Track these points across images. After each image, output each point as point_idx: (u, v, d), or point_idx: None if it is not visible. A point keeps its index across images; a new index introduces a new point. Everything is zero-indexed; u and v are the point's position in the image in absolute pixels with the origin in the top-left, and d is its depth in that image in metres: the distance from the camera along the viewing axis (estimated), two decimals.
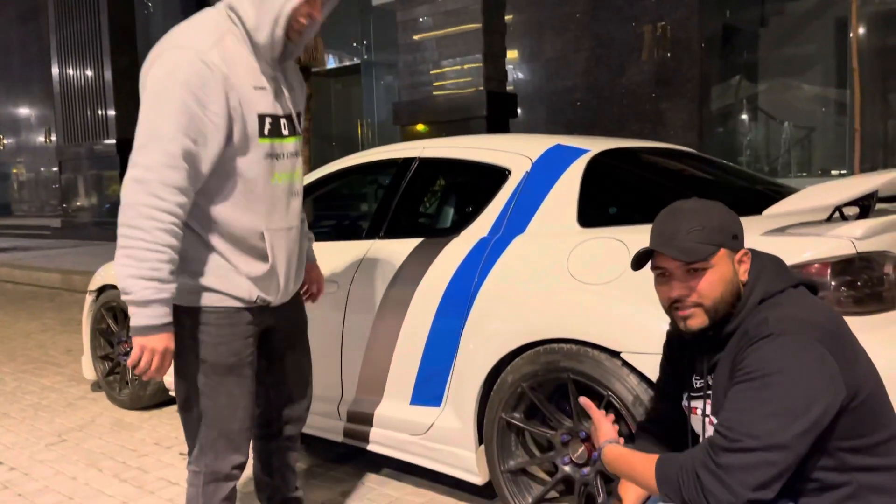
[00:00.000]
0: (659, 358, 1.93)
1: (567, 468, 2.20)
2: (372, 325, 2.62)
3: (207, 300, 1.82)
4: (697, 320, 1.47)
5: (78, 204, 13.30)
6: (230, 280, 1.82)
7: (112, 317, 3.79)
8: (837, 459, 1.39)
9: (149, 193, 1.64)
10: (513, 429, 2.29)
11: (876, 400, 1.40)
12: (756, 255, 1.53)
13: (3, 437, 3.40)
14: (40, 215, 16.91)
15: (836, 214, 1.97)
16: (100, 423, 3.58)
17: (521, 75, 9.03)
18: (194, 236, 1.79)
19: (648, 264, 1.55)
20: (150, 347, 1.68)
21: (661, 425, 1.76)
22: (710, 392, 1.54)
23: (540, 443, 2.39)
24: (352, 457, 3.05)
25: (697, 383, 1.58)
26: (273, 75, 1.82)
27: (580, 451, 2.18)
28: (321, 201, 3.67)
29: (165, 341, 1.70)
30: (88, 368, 3.94)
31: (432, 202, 3.62)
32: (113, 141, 12.51)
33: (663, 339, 1.80)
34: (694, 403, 1.60)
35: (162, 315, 1.68)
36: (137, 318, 1.67)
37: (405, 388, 2.56)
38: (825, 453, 1.38)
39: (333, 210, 4.92)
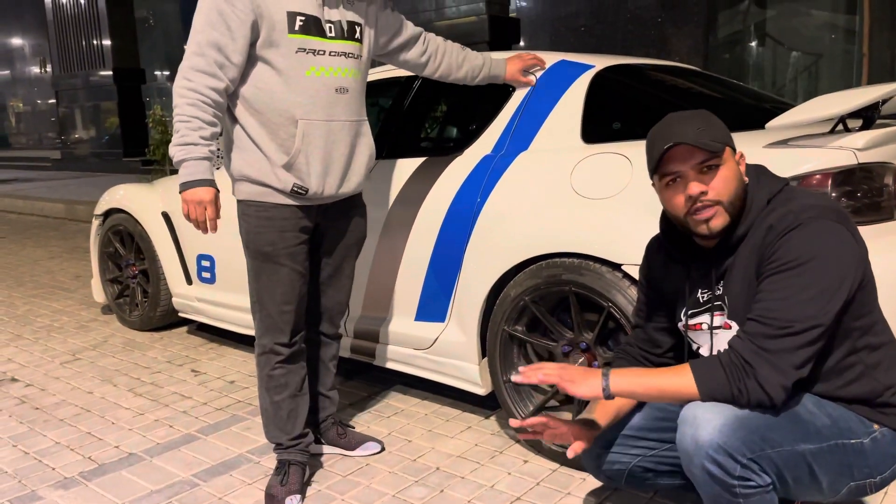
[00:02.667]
0: None
1: None
2: (377, 244, 2.67)
3: (250, 193, 2.05)
4: (720, 219, 1.49)
5: (76, 136, 13.20)
6: (263, 170, 2.01)
7: (119, 240, 3.84)
8: (851, 340, 1.47)
9: (181, 78, 1.94)
10: (515, 341, 2.36)
11: (873, 281, 1.50)
12: (747, 164, 1.57)
13: (18, 357, 3.49)
14: (39, 147, 16.80)
15: (840, 126, 1.98)
16: (112, 343, 3.67)
17: (523, 1, 8.82)
18: (240, 129, 2.03)
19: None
20: (188, 200, 1.93)
21: (645, 351, 1.79)
22: (718, 304, 1.57)
23: (541, 354, 2.46)
24: (359, 372, 3.14)
25: (704, 297, 1.60)
26: None
27: (580, 361, 2.25)
28: None
29: (201, 194, 1.92)
30: (98, 292, 4.01)
31: (436, 120, 3.62)
32: (109, 72, 12.32)
33: None
34: (695, 320, 1.62)
35: (195, 172, 1.92)
36: (179, 178, 1.94)
37: (410, 305, 2.62)
38: (841, 334, 1.46)
39: None
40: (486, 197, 2.39)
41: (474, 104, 3.34)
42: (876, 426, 1.48)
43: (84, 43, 12.67)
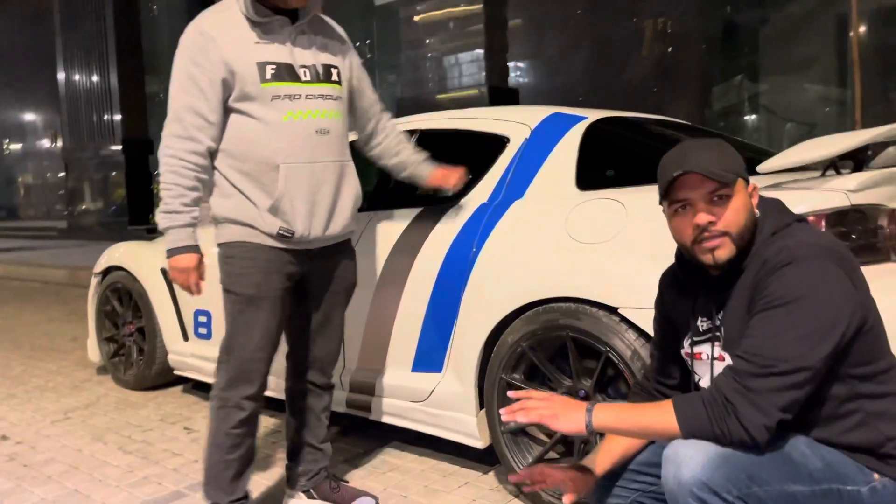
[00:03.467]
0: None
1: None
2: (373, 295, 2.65)
3: (234, 234, 2.04)
4: (725, 250, 1.46)
5: (84, 206, 13.37)
6: (251, 214, 2.02)
7: (117, 298, 3.83)
8: (849, 387, 1.42)
9: (163, 146, 2.00)
10: (513, 390, 2.31)
11: (880, 327, 1.45)
12: (760, 197, 1.57)
13: (9, 415, 3.43)
14: (47, 218, 17.01)
15: (831, 170, 2.00)
16: (105, 402, 3.61)
17: (522, 72, 9.08)
18: (223, 178, 2.04)
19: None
20: (173, 267, 2.01)
21: (660, 383, 1.76)
22: (717, 334, 1.54)
23: None
24: (354, 428, 3.07)
25: (704, 325, 1.58)
26: (291, 31, 2.03)
27: None
28: None
29: (185, 261, 2.00)
30: (94, 350, 3.98)
31: None
32: (119, 146, 12.57)
33: None
34: (698, 349, 1.60)
35: (178, 239, 1.99)
36: (165, 244, 2.01)
37: (406, 356, 2.58)
38: (838, 380, 1.41)
39: None
40: (482, 245, 2.39)
41: (470, 154, 3.38)
42: (876, 476, 1.41)
43: (95, 117, 12.99)
